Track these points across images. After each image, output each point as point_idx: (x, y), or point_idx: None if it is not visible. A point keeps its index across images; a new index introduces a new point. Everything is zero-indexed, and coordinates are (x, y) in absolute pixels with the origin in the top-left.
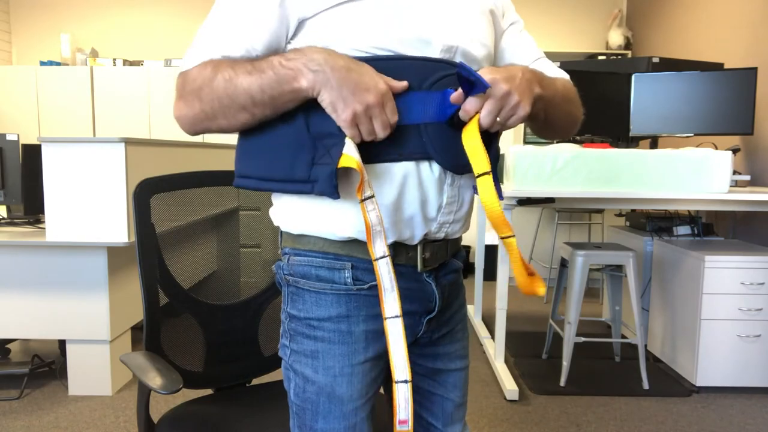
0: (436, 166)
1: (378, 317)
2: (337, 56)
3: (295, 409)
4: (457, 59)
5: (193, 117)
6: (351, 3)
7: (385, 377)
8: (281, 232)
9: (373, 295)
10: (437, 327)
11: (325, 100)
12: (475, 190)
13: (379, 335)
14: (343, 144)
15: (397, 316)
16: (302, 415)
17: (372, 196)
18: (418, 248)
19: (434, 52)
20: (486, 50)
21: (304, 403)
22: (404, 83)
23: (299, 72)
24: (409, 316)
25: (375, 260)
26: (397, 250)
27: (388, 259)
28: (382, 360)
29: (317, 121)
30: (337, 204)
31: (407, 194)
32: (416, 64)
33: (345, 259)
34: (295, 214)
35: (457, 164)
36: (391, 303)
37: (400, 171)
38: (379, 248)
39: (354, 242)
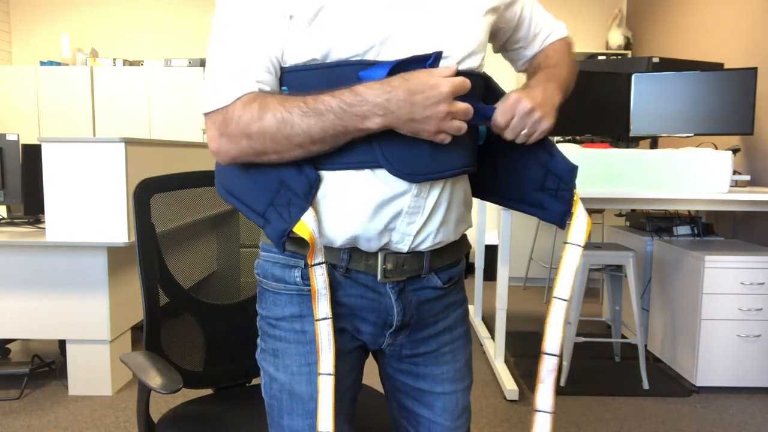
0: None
1: (335, 317)
2: (394, 86)
3: (266, 405)
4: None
5: (237, 153)
6: (333, 9)
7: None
8: None
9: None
10: (410, 344)
11: (403, 130)
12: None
13: (336, 334)
14: (301, 207)
15: (330, 374)
16: (271, 412)
17: (322, 263)
18: (378, 257)
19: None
20: (474, 61)
21: (271, 399)
22: (464, 81)
23: (365, 117)
24: (368, 324)
25: (317, 320)
26: (354, 255)
27: (329, 322)
28: (347, 358)
29: (289, 173)
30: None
31: (358, 204)
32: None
33: (299, 257)
34: None
35: (411, 172)
36: (326, 361)
37: (349, 179)
38: (322, 310)
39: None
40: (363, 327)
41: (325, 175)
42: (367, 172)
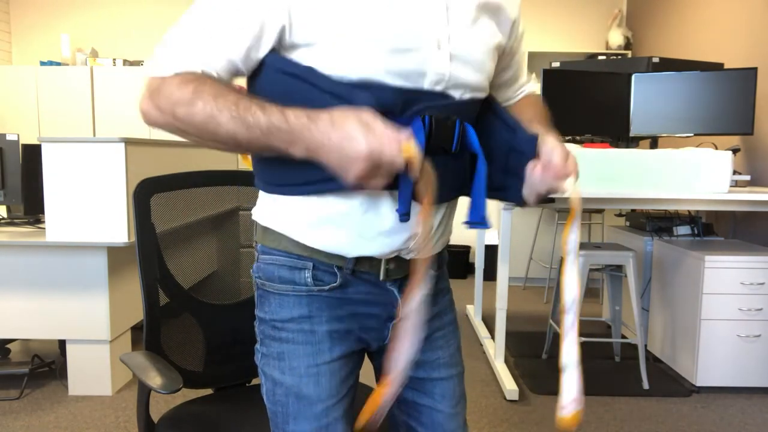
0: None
1: (342, 318)
2: (326, 132)
3: (269, 412)
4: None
5: (162, 124)
6: (350, 34)
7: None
8: (256, 227)
9: (334, 297)
10: None
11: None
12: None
13: (343, 335)
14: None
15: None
16: (275, 419)
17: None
18: (382, 260)
19: (425, 86)
20: (485, 93)
21: (275, 405)
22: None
23: (291, 144)
24: (373, 318)
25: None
26: (360, 260)
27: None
28: (351, 359)
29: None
30: (314, 217)
31: (376, 224)
32: (396, 94)
33: (306, 259)
34: (274, 210)
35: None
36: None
37: (368, 199)
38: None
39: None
40: (369, 323)
41: (343, 192)
42: (385, 193)
